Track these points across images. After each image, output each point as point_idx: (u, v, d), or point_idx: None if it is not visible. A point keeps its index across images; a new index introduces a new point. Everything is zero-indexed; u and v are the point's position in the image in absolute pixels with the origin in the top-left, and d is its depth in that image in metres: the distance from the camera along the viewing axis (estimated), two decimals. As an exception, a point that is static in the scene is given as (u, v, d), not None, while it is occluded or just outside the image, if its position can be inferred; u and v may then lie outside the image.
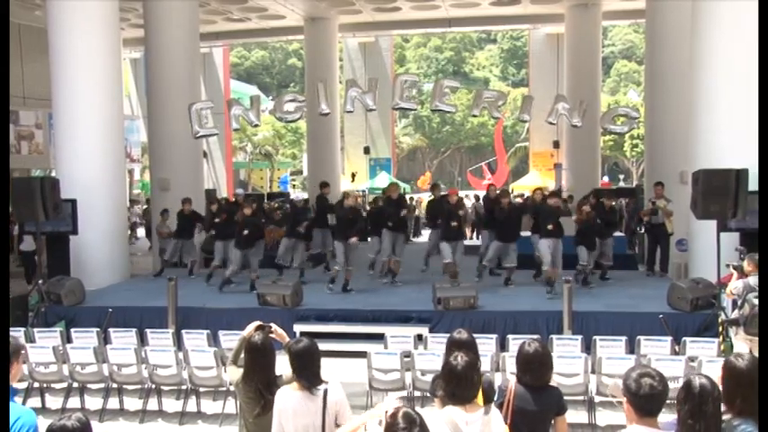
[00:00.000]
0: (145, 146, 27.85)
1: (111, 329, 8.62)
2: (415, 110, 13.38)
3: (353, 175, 25.25)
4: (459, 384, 3.46)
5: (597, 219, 11.41)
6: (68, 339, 8.50)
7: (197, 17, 16.55)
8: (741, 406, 3.16)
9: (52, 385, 8.03)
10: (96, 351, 7.61)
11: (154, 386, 7.60)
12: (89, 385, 7.87)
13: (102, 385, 7.73)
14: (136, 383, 7.66)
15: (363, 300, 10.75)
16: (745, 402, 3.15)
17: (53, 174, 14.93)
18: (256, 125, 11.44)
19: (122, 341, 8.21)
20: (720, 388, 3.25)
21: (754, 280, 7.34)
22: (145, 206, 23.44)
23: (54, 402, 7.85)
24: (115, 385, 7.65)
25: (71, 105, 12.33)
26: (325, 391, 3.89)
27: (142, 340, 8.33)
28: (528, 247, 11.93)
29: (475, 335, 4.55)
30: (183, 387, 7.61)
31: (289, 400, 3.90)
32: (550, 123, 10.60)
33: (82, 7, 12.37)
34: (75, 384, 7.73)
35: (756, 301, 7.11)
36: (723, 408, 3.16)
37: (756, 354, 7.13)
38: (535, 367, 3.87)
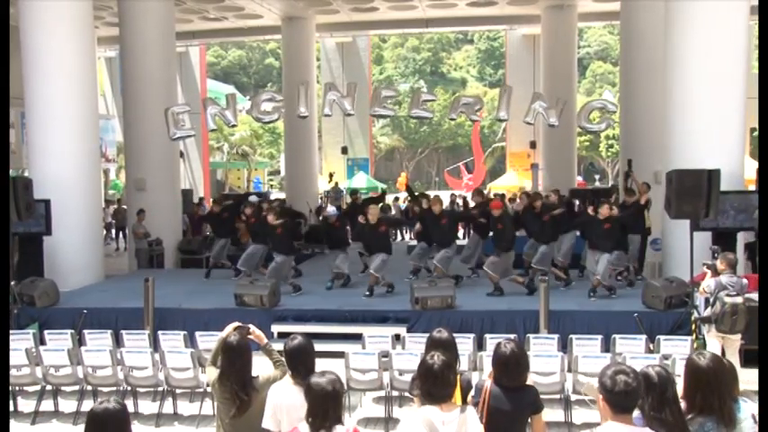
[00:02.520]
0: (120, 145, 27.59)
1: (85, 331, 8.51)
2: (393, 115, 13.32)
3: (331, 176, 25.15)
4: (436, 383, 3.47)
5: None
6: (41, 341, 8.38)
7: (172, 15, 16.42)
8: (701, 404, 3.25)
9: (25, 388, 7.92)
10: (70, 353, 7.51)
11: (129, 388, 7.53)
12: (63, 388, 7.77)
13: (76, 388, 7.64)
14: (111, 385, 7.56)
15: (341, 300, 10.74)
16: (704, 400, 3.24)
17: (26, 173, 14.73)
18: (233, 125, 11.36)
19: (97, 343, 8.10)
20: (682, 384, 3.35)
21: (726, 278, 7.46)
22: (115, 206, 23.18)
23: (27, 406, 7.73)
24: (90, 387, 7.56)
25: (45, 104, 12.15)
26: None
27: (117, 342, 8.24)
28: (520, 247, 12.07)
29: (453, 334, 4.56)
30: (160, 389, 7.55)
31: (284, 395, 3.96)
32: (528, 123, 10.64)
33: (55, 5, 12.20)
34: (49, 387, 7.63)
35: (727, 299, 7.24)
36: (683, 404, 3.26)
37: (728, 351, 7.28)
38: (511, 368, 3.88)
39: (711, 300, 7.49)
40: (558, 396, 7.03)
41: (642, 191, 12.60)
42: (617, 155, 33.21)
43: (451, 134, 55.73)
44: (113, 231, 23.22)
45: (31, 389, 7.89)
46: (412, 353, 7.06)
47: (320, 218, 13.35)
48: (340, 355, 7.32)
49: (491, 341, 7.48)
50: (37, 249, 11.70)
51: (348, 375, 7.07)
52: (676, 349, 7.32)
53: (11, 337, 8.31)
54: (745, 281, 7.62)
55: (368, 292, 10.95)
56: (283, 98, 11.74)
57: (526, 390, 3.94)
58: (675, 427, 3.13)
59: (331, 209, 13.01)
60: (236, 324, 4.51)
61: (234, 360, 4.23)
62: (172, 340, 8.10)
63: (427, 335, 4.58)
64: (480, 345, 7.80)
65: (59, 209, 11.65)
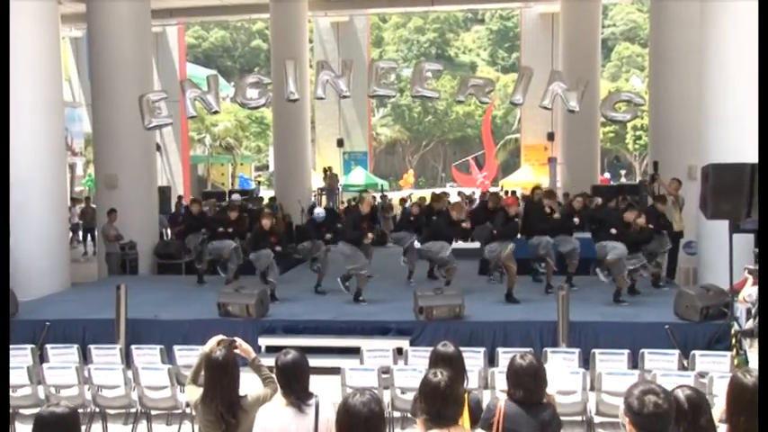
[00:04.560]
0: (89, 137, 27.59)
1: (48, 346, 8.49)
2: (394, 96, 13.35)
3: (326, 171, 25.18)
4: (445, 404, 3.45)
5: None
6: (-1, 357, 8.36)
7: (148, -9, 16.41)
8: (745, 425, 3.20)
9: (-20, 410, 7.89)
10: (30, 371, 7.49)
11: (98, 410, 7.50)
12: (21, 410, 7.72)
13: (36, 410, 7.58)
14: (78, 407, 7.51)
15: (336, 309, 10.73)
16: (748, 421, 3.19)
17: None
18: (216, 112, 11.29)
19: (61, 359, 8.09)
20: (724, 406, 3.31)
21: (770, 286, 7.43)
22: (82, 205, 23.21)
23: (-18, 429, 7.71)
24: (53, 409, 7.53)
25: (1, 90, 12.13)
26: (317, 406, 3.92)
27: (85, 357, 8.22)
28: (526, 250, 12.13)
29: (461, 348, 4.56)
30: (133, 410, 7.53)
31: (274, 418, 3.95)
32: (545, 108, 10.56)
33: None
34: (8, 408, 7.61)
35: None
36: (724, 429, 3.22)
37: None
38: (529, 381, 3.87)
39: (754, 310, 7.45)
40: (579, 418, 7.00)
41: (671, 189, 12.61)
42: (645, 148, 33.22)
43: (459, 125, 55.78)
44: (81, 233, 23.21)
45: (-14, 411, 7.86)
46: (415, 368, 7.03)
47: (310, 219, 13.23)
48: (335, 371, 7.31)
49: (504, 355, 7.47)
50: (-6, 254, 11.69)
51: (344, 394, 7.03)
52: (714, 366, 7.29)
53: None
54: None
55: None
56: (271, 83, 11.72)
57: (544, 408, 3.92)
58: None
59: (319, 210, 12.92)
60: (221, 337, 4.49)
61: (220, 377, 4.21)
62: (147, 355, 8.08)
63: (432, 348, 4.57)
64: (492, 359, 7.78)
65: (19, 208, 11.66)
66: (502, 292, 11.25)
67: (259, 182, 40.93)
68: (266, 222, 11.69)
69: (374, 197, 23.31)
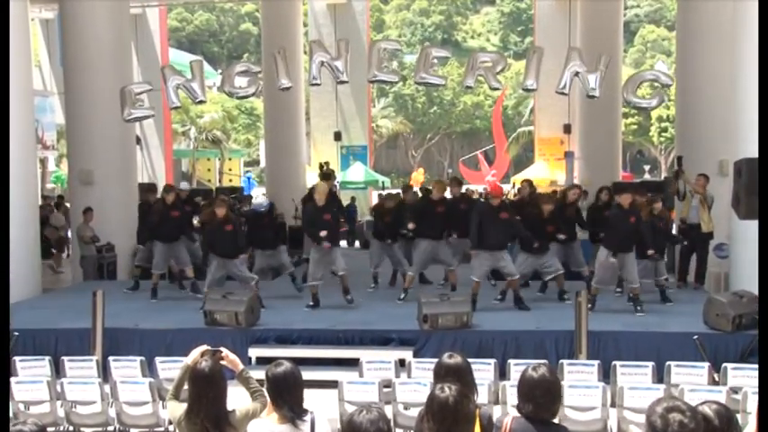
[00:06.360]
0: (62, 129, 27.58)
1: (16, 358, 8.47)
2: (396, 82, 13.33)
3: (322, 167, 25.14)
4: (456, 422, 3.44)
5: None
6: (-36, 370, 8.37)
7: (126, -31, 16.43)
8: None
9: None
10: (-1, 385, 7.49)
11: (72, 428, 7.51)
12: (-11, 428, 7.76)
13: (5, 428, 7.62)
14: (49, 425, 7.53)
15: (334, 317, 10.72)
16: None
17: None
18: (201, 101, 11.27)
19: (31, 372, 8.08)
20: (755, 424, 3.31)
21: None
22: (55, 203, 23.20)
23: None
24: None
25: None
26: (312, 424, 3.93)
27: (57, 371, 8.22)
28: None
29: (469, 360, 4.55)
30: (110, 428, 7.53)
31: None
32: (562, 93, 10.48)
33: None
34: (-27, 426, 7.61)
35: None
36: None
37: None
38: (540, 395, 3.84)
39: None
40: (599, 437, 7.01)
41: (698, 186, 12.54)
42: (672, 141, 33.21)
43: (467, 116, 55.89)
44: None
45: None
46: (419, 382, 7.06)
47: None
48: (332, 384, 7.32)
49: (516, 368, 7.47)
50: (-42, 257, 11.70)
51: (342, 410, 7.05)
52: (748, 381, 7.28)
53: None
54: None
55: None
56: (262, 71, 11.71)
57: (556, 428, 3.90)
58: None
59: (261, 200, 12.74)
60: (204, 347, 4.50)
61: (205, 391, 4.23)
62: (126, 368, 8.09)
63: (437, 360, 4.56)
64: (503, 372, 7.79)
65: (-14, 207, 11.64)
66: (512, 299, 11.25)
67: (249, 178, 40.98)
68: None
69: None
